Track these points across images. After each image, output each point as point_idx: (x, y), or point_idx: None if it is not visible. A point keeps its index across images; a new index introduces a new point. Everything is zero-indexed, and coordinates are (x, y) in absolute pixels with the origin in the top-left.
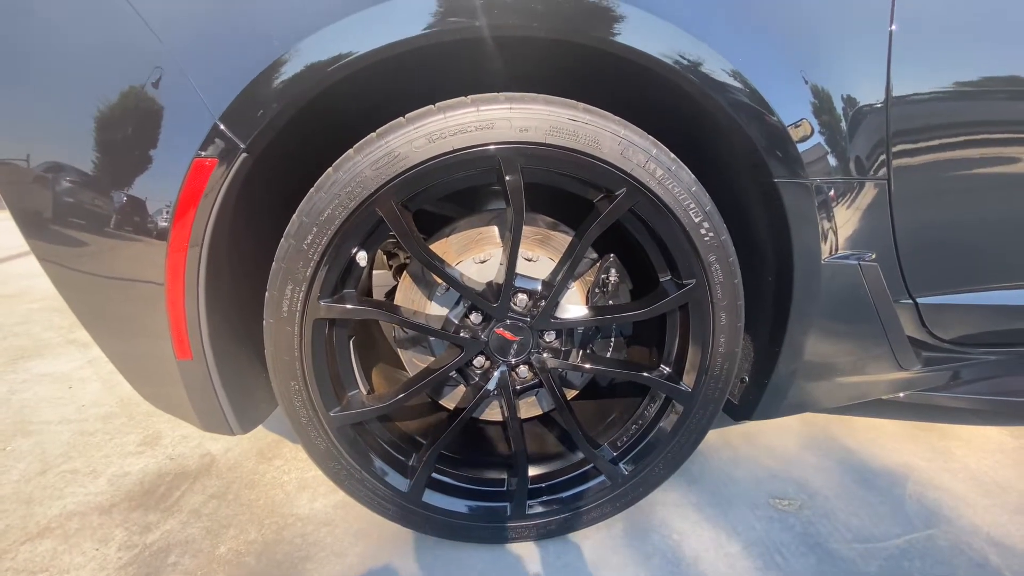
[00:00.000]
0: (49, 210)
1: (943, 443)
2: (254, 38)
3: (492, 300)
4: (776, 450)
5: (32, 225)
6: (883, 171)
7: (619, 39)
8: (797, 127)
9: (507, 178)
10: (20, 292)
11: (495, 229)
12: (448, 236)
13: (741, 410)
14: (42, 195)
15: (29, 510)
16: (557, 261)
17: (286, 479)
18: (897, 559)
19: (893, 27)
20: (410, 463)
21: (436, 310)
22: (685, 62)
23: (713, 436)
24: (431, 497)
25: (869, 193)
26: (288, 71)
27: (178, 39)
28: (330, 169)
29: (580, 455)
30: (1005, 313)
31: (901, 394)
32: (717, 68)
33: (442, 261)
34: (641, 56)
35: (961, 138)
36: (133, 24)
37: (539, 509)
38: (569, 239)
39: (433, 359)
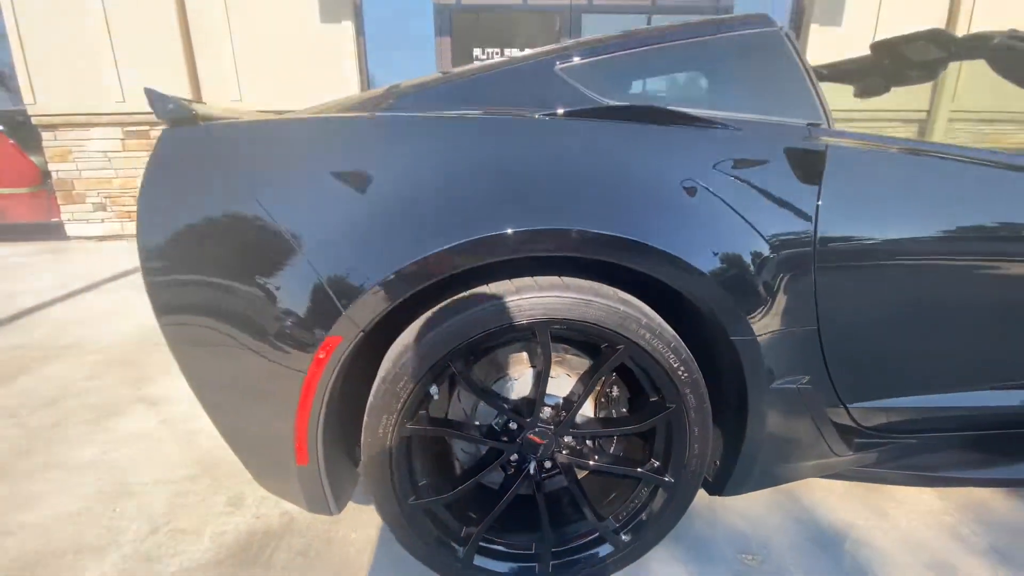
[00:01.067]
0: (221, 354)
1: (882, 504)
2: (376, 261)
3: (525, 415)
4: (747, 513)
5: (199, 362)
6: (812, 321)
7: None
8: (748, 306)
9: (539, 338)
10: (76, 343)
11: (525, 355)
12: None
13: (716, 487)
14: (218, 346)
15: (151, 568)
16: (575, 378)
17: (354, 536)
18: None
19: (817, 241)
20: (462, 533)
21: (482, 419)
22: (681, 278)
23: (698, 500)
24: (479, 560)
25: (802, 337)
26: (398, 283)
27: (322, 260)
28: (412, 340)
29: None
30: (918, 411)
31: (840, 469)
32: (698, 280)
33: (492, 393)
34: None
35: (872, 295)
36: (287, 243)
37: (560, 568)
38: (580, 360)
39: (476, 452)
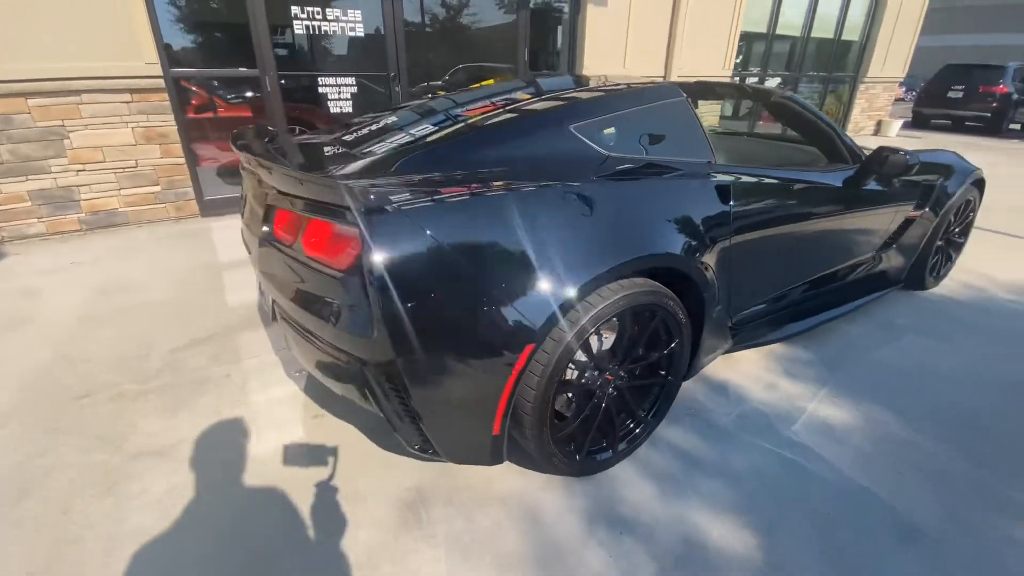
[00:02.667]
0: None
1: (738, 358)
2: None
3: (608, 363)
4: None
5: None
6: (726, 277)
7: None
8: (707, 273)
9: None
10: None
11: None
12: None
13: (684, 378)
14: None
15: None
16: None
17: (485, 472)
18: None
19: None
20: (571, 447)
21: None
22: (686, 263)
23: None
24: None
25: (723, 285)
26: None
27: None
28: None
29: (631, 421)
30: (754, 313)
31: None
32: (692, 263)
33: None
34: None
35: (750, 260)
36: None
37: (623, 446)
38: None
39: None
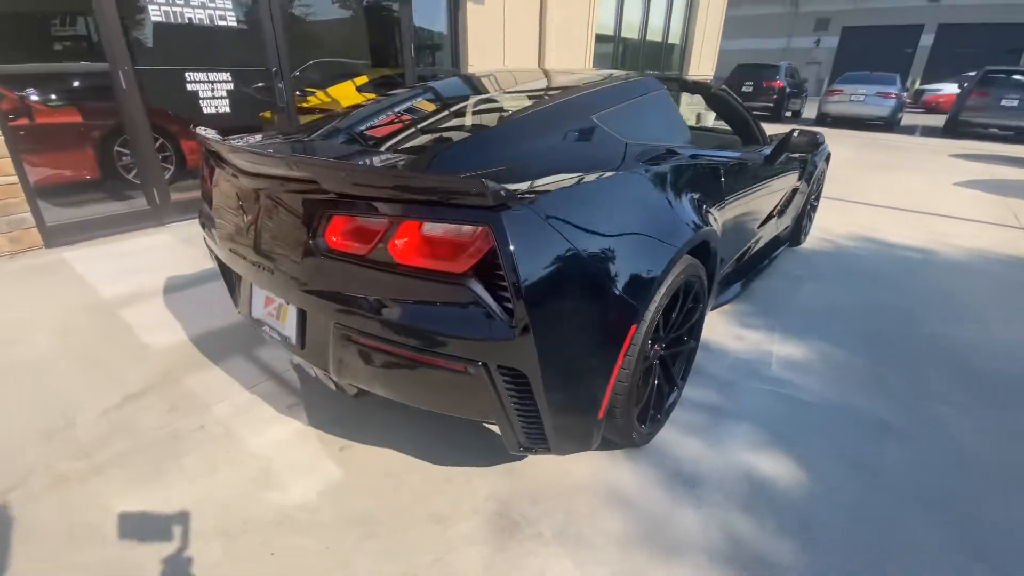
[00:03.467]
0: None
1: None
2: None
3: (664, 334)
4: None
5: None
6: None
7: None
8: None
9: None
10: None
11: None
12: None
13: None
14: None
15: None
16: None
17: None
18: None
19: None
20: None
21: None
22: (710, 236)
23: None
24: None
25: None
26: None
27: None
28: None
29: (668, 388)
30: (729, 272)
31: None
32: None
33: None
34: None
35: (726, 228)
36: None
37: (663, 411)
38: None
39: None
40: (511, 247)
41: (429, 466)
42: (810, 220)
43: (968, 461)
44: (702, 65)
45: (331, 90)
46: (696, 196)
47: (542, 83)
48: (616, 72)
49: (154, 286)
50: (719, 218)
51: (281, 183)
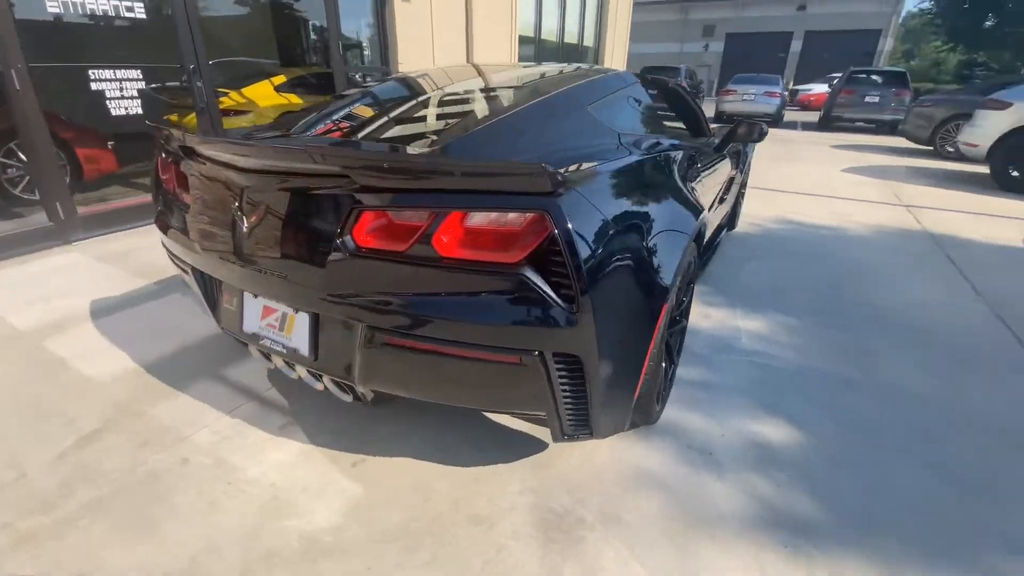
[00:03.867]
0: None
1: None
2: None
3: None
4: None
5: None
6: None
7: None
8: None
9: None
10: None
11: None
12: None
13: None
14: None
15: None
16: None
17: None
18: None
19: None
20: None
21: None
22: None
23: None
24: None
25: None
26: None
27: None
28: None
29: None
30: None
31: None
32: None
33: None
34: None
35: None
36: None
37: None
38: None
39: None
40: (571, 232)
41: (453, 469)
42: (740, 206)
43: (913, 401)
44: (615, 67)
45: (246, 91)
46: (689, 183)
47: (525, 76)
48: (583, 65)
49: (78, 312)
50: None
51: (297, 179)
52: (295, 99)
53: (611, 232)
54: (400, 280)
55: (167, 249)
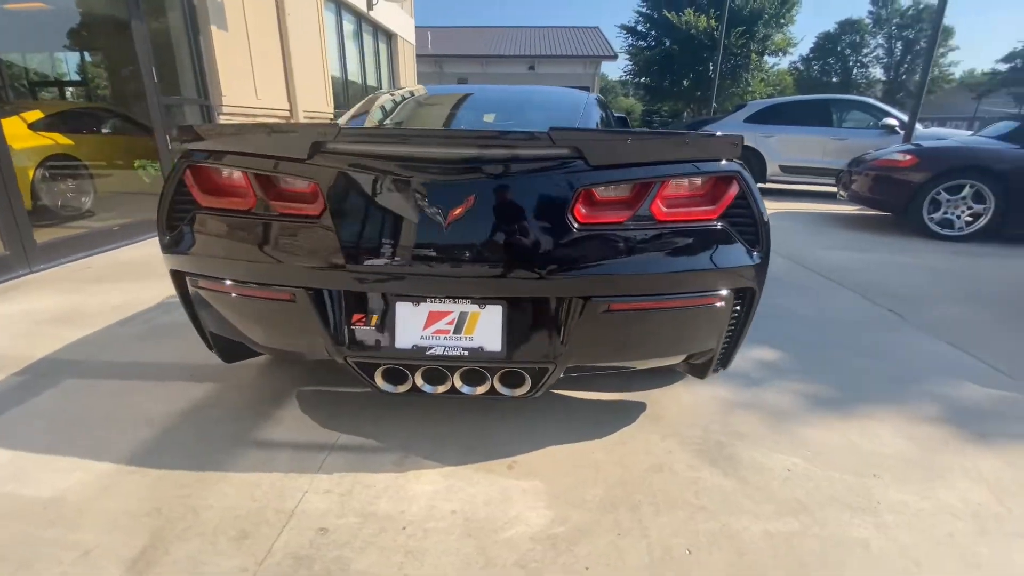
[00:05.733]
0: None
1: None
2: None
3: None
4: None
5: None
6: None
7: None
8: None
9: None
10: None
11: None
12: None
13: None
14: None
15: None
16: None
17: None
18: None
19: None
20: None
21: None
22: None
23: None
24: None
25: None
26: None
27: None
28: None
29: None
30: None
31: None
32: None
33: None
34: None
35: None
36: None
37: None
38: None
39: None
40: (753, 188)
41: (596, 443)
42: None
43: (827, 314)
44: None
45: None
46: None
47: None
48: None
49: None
50: None
51: (498, 165)
52: (63, 139)
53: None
54: (620, 248)
55: (241, 282)
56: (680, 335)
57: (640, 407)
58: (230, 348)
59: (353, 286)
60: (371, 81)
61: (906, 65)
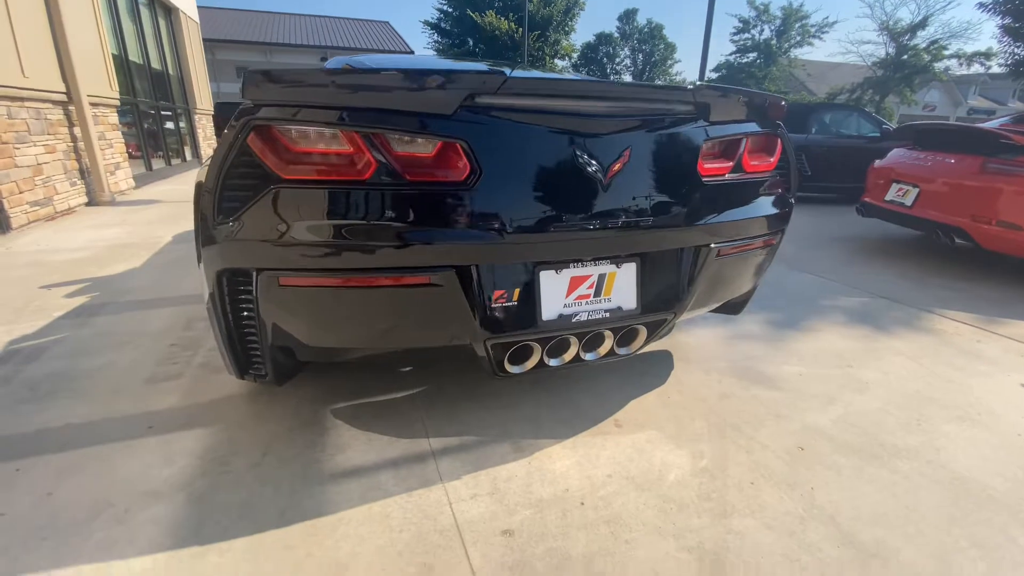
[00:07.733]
0: None
1: None
2: None
3: None
4: None
5: None
6: None
7: None
8: None
9: None
10: None
11: None
12: None
13: None
14: None
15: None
16: None
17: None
18: None
19: None
20: None
21: None
22: None
23: None
24: None
25: None
26: None
27: None
28: None
29: None
30: None
31: None
32: None
33: None
34: None
35: None
36: None
37: None
38: None
39: None
40: (789, 143)
41: (663, 389)
42: None
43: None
44: (202, 98)
45: None
46: None
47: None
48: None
49: None
50: None
51: (638, 120)
52: None
53: None
54: (729, 197)
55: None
56: (753, 272)
57: (667, 355)
58: (288, 365)
59: (503, 258)
60: (155, 64)
61: (646, 74)
